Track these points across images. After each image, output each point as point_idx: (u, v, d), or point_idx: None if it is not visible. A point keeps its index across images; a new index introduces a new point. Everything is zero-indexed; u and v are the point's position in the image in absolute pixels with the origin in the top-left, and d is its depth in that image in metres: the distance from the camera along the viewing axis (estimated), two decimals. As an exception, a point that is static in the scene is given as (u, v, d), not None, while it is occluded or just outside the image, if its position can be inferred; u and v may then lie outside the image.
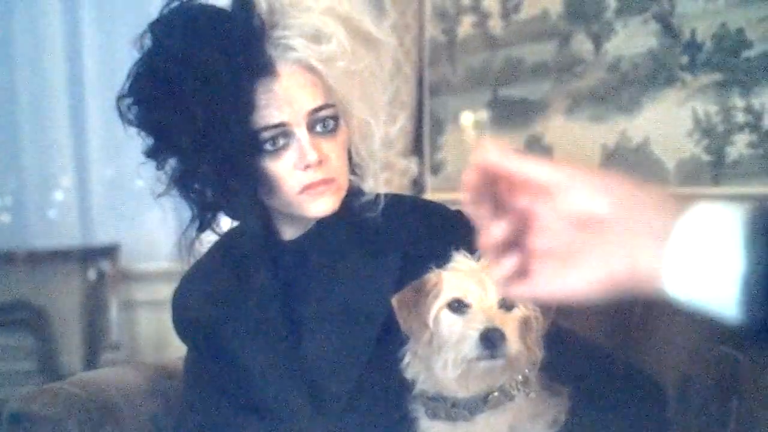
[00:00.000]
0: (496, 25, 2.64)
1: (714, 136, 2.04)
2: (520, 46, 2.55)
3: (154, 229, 3.25)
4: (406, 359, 1.40)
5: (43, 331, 3.17)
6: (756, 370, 1.43)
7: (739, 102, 1.98)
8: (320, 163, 1.41)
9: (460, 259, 1.37)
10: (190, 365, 1.57)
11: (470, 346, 1.29)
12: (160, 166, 1.44)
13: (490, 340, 1.27)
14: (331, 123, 1.43)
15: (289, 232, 1.51)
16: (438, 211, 1.55)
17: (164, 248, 3.11)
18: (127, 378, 1.71)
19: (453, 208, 1.51)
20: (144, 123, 1.41)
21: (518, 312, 1.34)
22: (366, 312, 1.45)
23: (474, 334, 1.28)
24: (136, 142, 1.45)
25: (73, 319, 3.24)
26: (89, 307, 3.26)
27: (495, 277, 0.81)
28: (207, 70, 1.36)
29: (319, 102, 1.42)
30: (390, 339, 1.41)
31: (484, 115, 0.77)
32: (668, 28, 2.13)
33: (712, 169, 2.04)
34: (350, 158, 1.50)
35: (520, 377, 1.37)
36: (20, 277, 3.21)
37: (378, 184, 1.54)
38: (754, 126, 1.96)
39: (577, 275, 0.78)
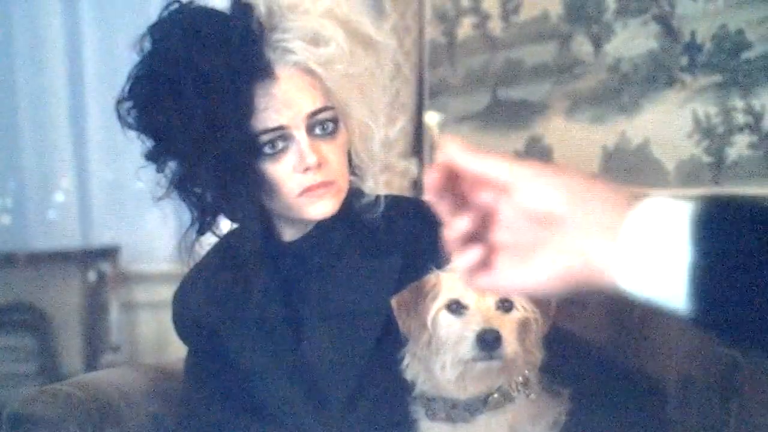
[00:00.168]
0: (495, 26, 2.64)
1: (714, 137, 2.03)
2: (519, 48, 2.55)
3: (154, 231, 3.25)
4: (406, 360, 1.40)
5: (43, 332, 3.17)
6: (756, 371, 1.43)
7: (739, 103, 1.98)
8: (319, 165, 1.41)
9: (460, 261, 1.37)
10: (190, 366, 1.58)
11: (467, 347, 1.29)
12: (159, 169, 1.45)
13: (487, 341, 1.28)
14: (331, 125, 1.44)
15: (289, 234, 1.51)
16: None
17: (164, 250, 3.11)
18: (127, 379, 1.71)
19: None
20: (143, 126, 1.42)
21: (517, 314, 1.34)
22: (366, 313, 1.45)
23: (471, 335, 1.29)
24: (136, 143, 1.46)
25: (74, 320, 3.24)
26: (89, 308, 3.26)
27: (458, 268, 0.84)
28: (206, 73, 1.36)
29: (318, 105, 1.42)
30: (390, 340, 1.41)
31: (437, 116, 0.78)
32: (668, 30, 2.13)
33: (712, 171, 2.04)
34: (350, 160, 1.51)
35: (520, 379, 1.37)
36: (20, 279, 3.21)
37: (378, 185, 1.54)
38: (754, 127, 1.96)
39: (535, 269, 0.80)
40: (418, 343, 1.37)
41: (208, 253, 1.56)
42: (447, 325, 1.34)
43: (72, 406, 1.55)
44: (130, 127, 1.43)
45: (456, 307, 1.34)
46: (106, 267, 3.29)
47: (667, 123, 2.13)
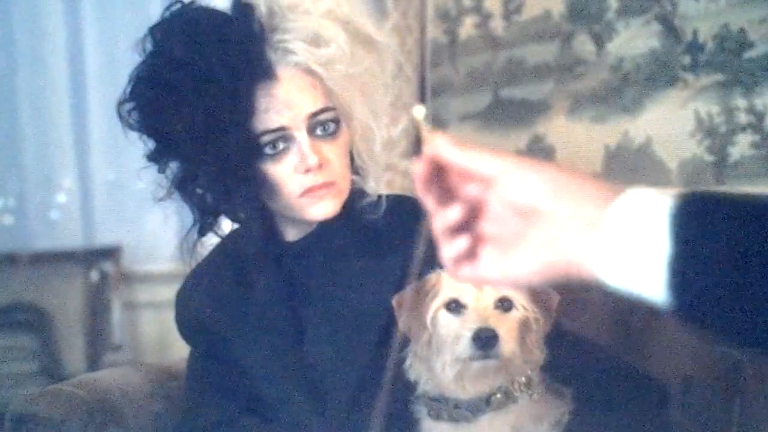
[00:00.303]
0: (497, 25, 2.64)
1: (716, 136, 2.03)
2: (521, 47, 2.55)
3: (156, 231, 3.24)
4: (408, 360, 1.40)
5: (45, 332, 3.17)
6: (759, 371, 1.43)
7: (741, 102, 1.98)
8: (320, 166, 1.41)
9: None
10: (193, 366, 1.57)
11: (463, 345, 1.30)
12: (161, 170, 1.45)
13: (483, 339, 1.28)
14: (332, 126, 1.43)
15: (291, 233, 1.51)
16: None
17: (166, 249, 3.10)
18: (129, 379, 1.71)
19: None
20: (144, 127, 1.42)
21: (516, 313, 1.34)
22: (368, 313, 1.45)
23: (467, 334, 1.29)
24: (138, 143, 1.46)
25: (76, 320, 3.24)
26: (91, 308, 3.26)
27: (444, 257, 0.85)
28: (207, 74, 1.36)
29: (319, 105, 1.42)
30: (393, 340, 1.41)
31: (423, 110, 0.79)
32: (670, 29, 2.13)
33: (714, 170, 2.04)
34: (352, 160, 1.50)
35: (522, 379, 1.37)
36: (22, 279, 3.21)
37: (380, 185, 1.54)
38: (756, 126, 1.96)
39: (517, 261, 0.82)
40: (419, 343, 1.37)
41: (211, 253, 1.56)
42: (446, 324, 1.34)
43: (74, 406, 1.55)
44: (131, 128, 1.43)
45: (455, 306, 1.34)
46: (108, 267, 3.29)
47: (670, 122, 2.13)
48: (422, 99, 2.90)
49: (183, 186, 1.44)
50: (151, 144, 1.44)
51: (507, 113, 2.60)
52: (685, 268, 0.74)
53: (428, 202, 0.84)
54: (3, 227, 3.40)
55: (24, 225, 3.38)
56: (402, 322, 1.37)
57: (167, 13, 1.42)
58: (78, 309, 3.25)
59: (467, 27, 2.75)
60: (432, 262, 1.36)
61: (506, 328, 1.31)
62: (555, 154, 2.45)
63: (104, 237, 3.39)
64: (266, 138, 1.40)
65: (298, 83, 1.41)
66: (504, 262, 0.82)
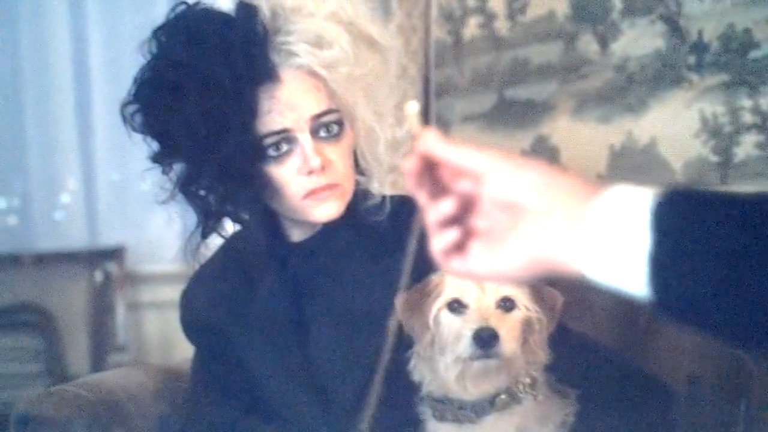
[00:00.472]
0: (502, 26, 2.63)
1: (721, 136, 2.03)
2: (526, 47, 2.54)
3: (160, 231, 3.25)
4: (412, 361, 1.40)
5: (49, 332, 3.17)
6: (764, 371, 1.43)
7: (746, 102, 1.98)
8: (323, 168, 1.41)
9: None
10: (197, 366, 1.58)
11: (464, 345, 1.30)
12: (165, 172, 1.45)
13: (483, 339, 1.28)
14: (336, 128, 1.44)
15: (297, 234, 1.51)
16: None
17: (170, 250, 3.10)
18: (134, 380, 1.71)
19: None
20: (148, 129, 1.42)
21: (518, 313, 1.34)
22: (373, 314, 1.45)
23: (468, 333, 1.30)
24: (142, 144, 1.46)
25: (80, 320, 3.24)
26: (96, 308, 3.26)
27: (434, 249, 0.86)
28: (210, 76, 1.36)
29: (322, 107, 1.42)
30: (398, 341, 1.41)
31: (416, 106, 0.80)
32: (675, 29, 2.12)
33: (719, 170, 2.04)
34: (357, 161, 1.50)
35: (527, 380, 1.37)
36: (27, 279, 3.21)
37: (384, 186, 1.54)
38: (761, 127, 1.96)
39: (503, 256, 0.83)
40: (422, 343, 1.38)
41: (215, 254, 1.56)
42: (447, 324, 1.35)
43: (79, 406, 1.55)
44: (135, 129, 1.43)
45: (457, 306, 1.34)
46: (112, 267, 3.29)
47: (674, 122, 2.13)
48: (426, 99, 2.90)
49: (186, 188, 1.44)
50: (154, 146, 1.44)
51: (511, 113, 2.60)
52: (666, 262, 0.75)
53: (421, 197, 0.86)
54: (7, 228, 3.40)
55: (28, 225, 3.39)
56: (406, 323, 1.37)
57: (172, 15, 1.42)
58: (82, 309, 3.26)
59: (471, 27, 2.75)
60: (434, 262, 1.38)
61: (507, 328, 1.31)
62: (559, 154, 2.45)
63: (108, 237, 3.40)
64: (269, 140, 1.40)
65: (301, 85, 1.41)
66: (492, 257, 0.84)
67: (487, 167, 0.83)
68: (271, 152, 1.41)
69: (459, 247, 0.85)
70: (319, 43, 1.41)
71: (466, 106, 2.76)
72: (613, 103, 2.28)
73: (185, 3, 1.44)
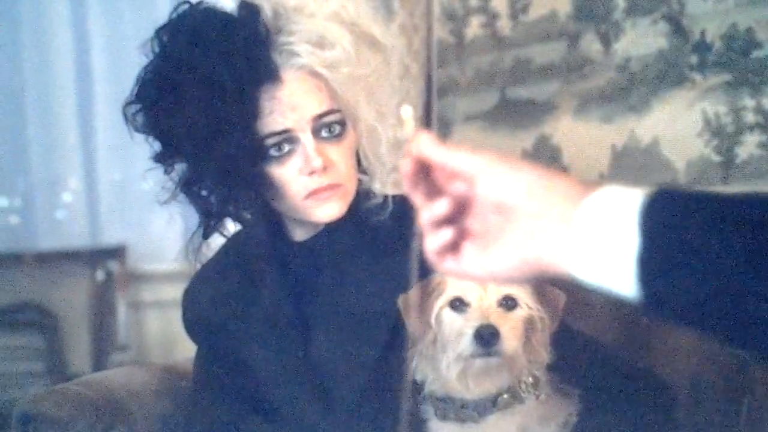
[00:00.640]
0: (504, 25, 2.63)
1: (724, 136, 2.03)
2: (528, 47, 2.54)
3: (161, 230, 3.25)
4: (415, 361, 1.40)
5: (51, 332, 3.17)
6: (766, 371, 1.43)
7: (749, 102, 1.98)
8: (325, 168, 1.41)
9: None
10: (199, 365, 1.58)
11: (465, 343, 1.30)
12: (167, 171, 1.45)
13: (484, 337, 1.28)
14: (337, 128, 1.43)
15: (300, 233, 1.51)
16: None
17: (172, 249, 3.09)
18: (135, 378, 1.71)
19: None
20: (150, 129, 1.42)
21: (520, 312, 1.35)
22: (375, 313, 1.45)
23: (469, 332, 1.30)
24: (144, 144, 1.46)
25: (81, 319, 3.25)
26: (97, 307, 3.26)
27: (428, 249, 0.88)
28: (212, 76, 1.36)
29: (324, 107, 1.42)
30: (400, 341, 1.41)
31: (411, 110, 0.81)
32: (678, 29, 2.12)
33: (721, 170, 2.03)
34: (359, 161, 1.50)
35: (530, 379, 1.37)
36: (28, 278, 3.21)
37: (386, 186, 1.54)
38: (764, 126, 1.96)
39: (494, 257, 0.84)
40: (424, 342, 1.38)
41: (218, 253, 1.56)
42: (449, 323, 1.35)
43: (81, 405, 1.55)
44: (137, 129, 1.43)
45: (458, 305, 1.35)
46: (113, 266, 3.29)
47: (677, 122, 2.13)
48: (428, 99, 2.90)
49: (188, 188, 1.44)
50: (156, 146, 1.44)
51: (513, 113, 2.60)
52: (654, 263, 0.75)
53: (416, 198, 0.88)
54: (9, 227, 3.41)
55: (30, 225, 3.39)
56: (408, 322, 1.37)
57: (174, 15, 1.43)
58: (83, 308, 3.26)
59: (474, 27, 2.75)
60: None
61: (509, 326, 1.31)
62: (561, 154, 2.45)
63: (110, 237, 3.40)
64: (271, 140, 1.40)
65: (303, 85, 1.41)
66: (484, 258, 0.85)
67: (480, 169, 0.84)
68: (273, 152, 1.41)
69: (453, 247, 0.86)
70: (321, 43, 1.41)
71: (469, 105, 2.76)
72: (616, 103, 2.28)
73: (188, 2, 1.44)
